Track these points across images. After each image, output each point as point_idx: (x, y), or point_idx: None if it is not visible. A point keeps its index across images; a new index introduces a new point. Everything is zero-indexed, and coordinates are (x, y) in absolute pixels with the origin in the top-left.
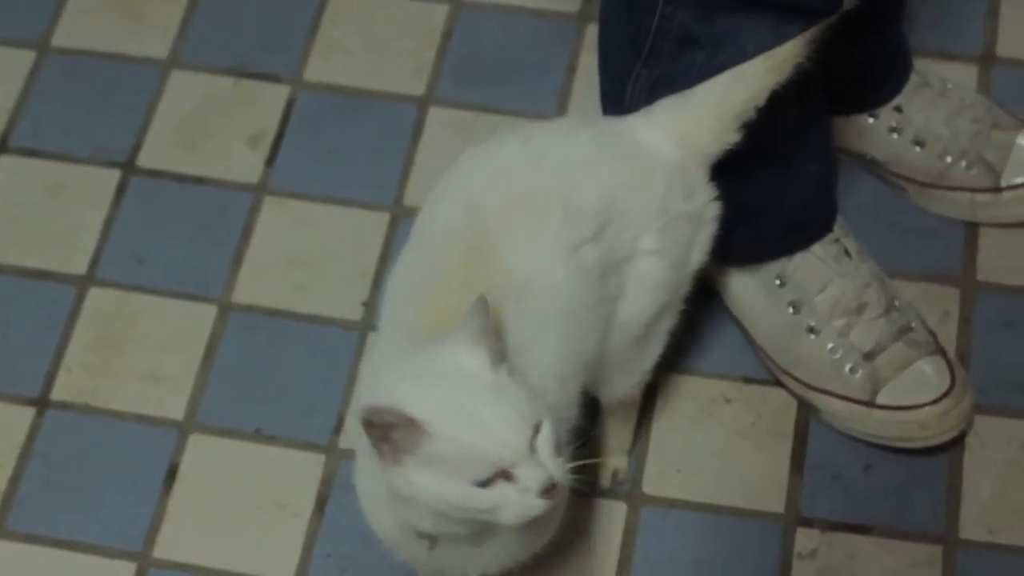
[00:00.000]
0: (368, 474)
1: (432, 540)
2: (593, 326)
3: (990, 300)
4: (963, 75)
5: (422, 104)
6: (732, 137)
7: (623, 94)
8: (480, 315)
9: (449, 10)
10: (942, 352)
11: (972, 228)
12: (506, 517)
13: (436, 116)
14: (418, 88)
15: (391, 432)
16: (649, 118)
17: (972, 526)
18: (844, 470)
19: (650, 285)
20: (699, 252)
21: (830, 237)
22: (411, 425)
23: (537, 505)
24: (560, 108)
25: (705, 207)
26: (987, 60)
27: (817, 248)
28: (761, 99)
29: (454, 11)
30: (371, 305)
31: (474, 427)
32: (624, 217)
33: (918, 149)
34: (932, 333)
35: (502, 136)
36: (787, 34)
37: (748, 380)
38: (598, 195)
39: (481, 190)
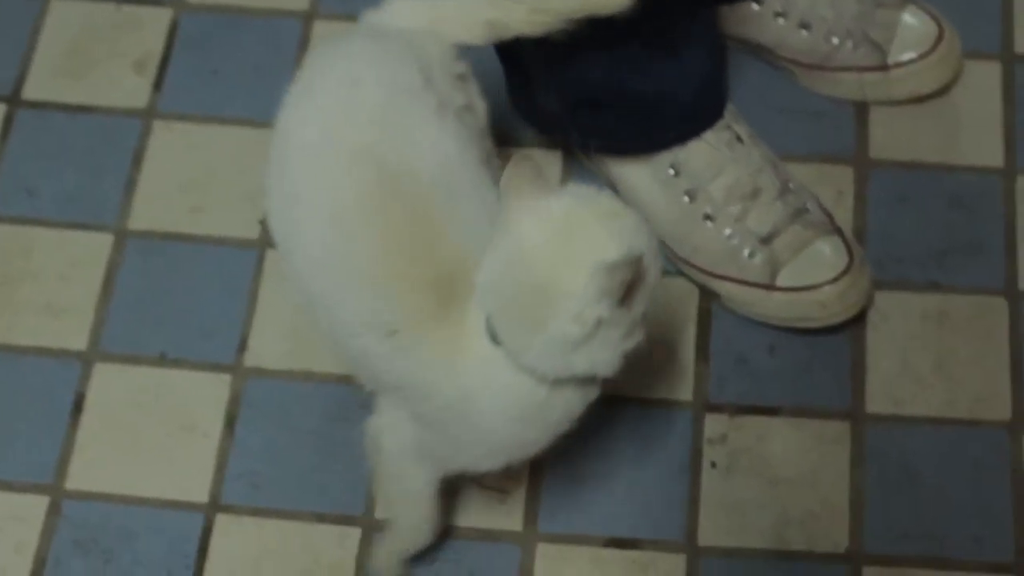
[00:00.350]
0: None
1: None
2: None
3: (883, 177)
4: None
5: (307, 19)
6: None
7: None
8: (523, 168)
9: None
10: (839, 231)
11: (862, 107)
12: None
13: (321, 30)
14: (302, 3)
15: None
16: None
17: (878, 400)
18: (749, 354)
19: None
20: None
21: (721, 123)
22: (639, 264)
23: None
24: None
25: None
26: None
27: (709, 135)
28: None
29: None
30: (267, 223)
31: None
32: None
33: (804, 32)
34: (828, 213)
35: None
36: None
37: None
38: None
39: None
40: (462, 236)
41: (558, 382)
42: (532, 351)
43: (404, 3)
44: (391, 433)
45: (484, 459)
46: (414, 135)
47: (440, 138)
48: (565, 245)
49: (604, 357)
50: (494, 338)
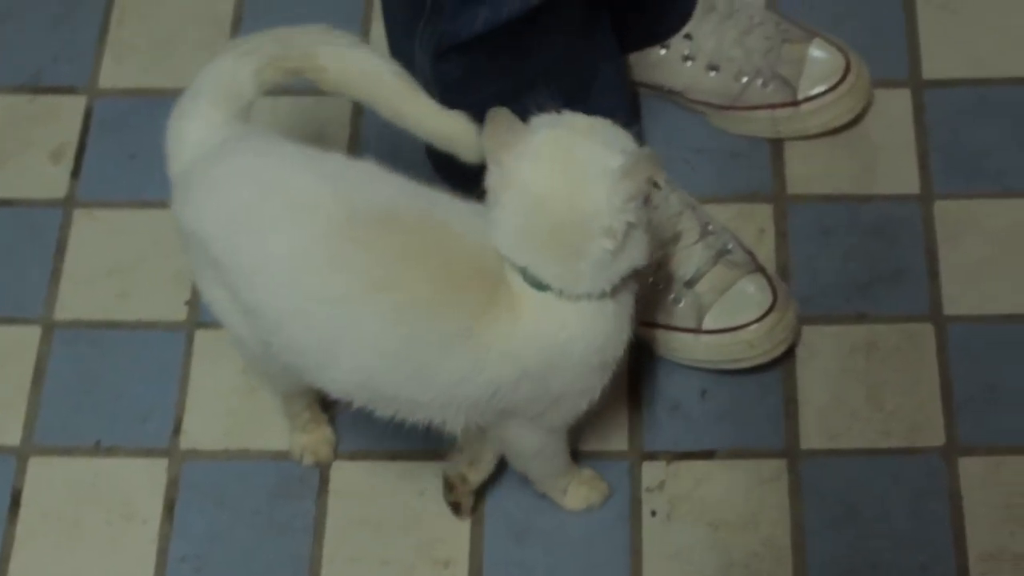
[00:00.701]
0: None
1: None
2: None
3: (803, 211)
4: None
5: None
6: None
7: (411, 53)
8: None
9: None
10: (761, 269)
11: (777, 144)
12: None
13: None
14: None
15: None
16: None
17: (813, 435)
18: (681, 399)
19: None
20: None
21: None
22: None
23: None
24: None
25: None
26: None
27: None
28: None
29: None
30: (194, 303)
31: None
32: None
33: (713, 74)
34: (749, 252)
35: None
36: None
37: None
38: None
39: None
40: (464, 227)
41: (614, 290)
42: (583, 278)
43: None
44: (518, 440)
45: (584, 395)
46: (356, 179)
47: (376, 174)
48: (567, 172)
49: (640, 251)
50: (540, 286)
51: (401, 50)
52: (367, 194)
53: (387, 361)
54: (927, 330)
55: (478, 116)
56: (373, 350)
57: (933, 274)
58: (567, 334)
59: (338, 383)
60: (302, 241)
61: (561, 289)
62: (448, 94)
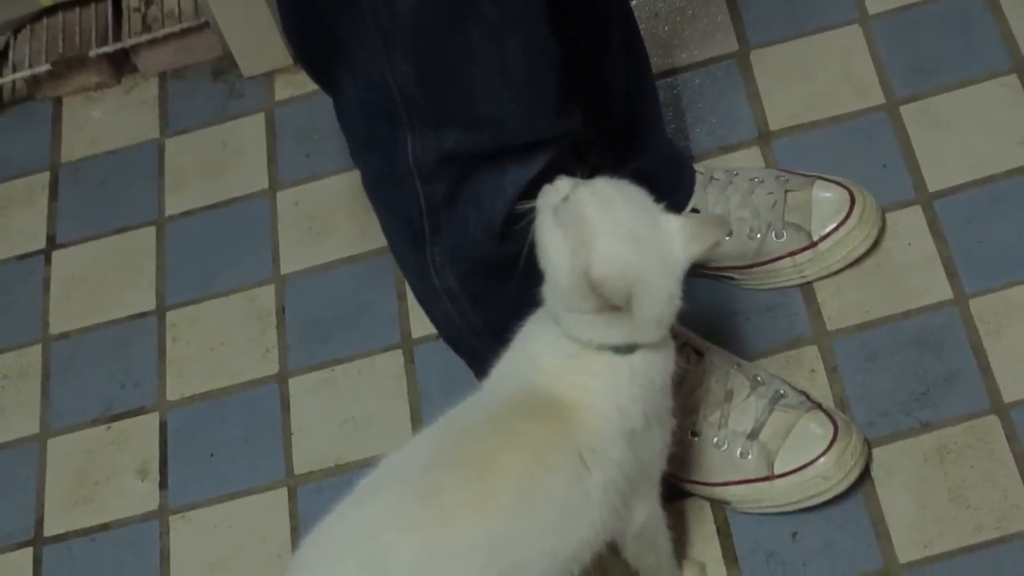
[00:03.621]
0: None
1: None
2: None
3: (847, 344)
4: (749, 159)
5: (280, 380)
6: None
7: (430, 279)
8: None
9: (275, 288)
10: (818, 405)
11: (807, 287)
12: None
13: (297, 385)
14: (271, 368)
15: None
16: None
17: (908, 548)
18: (775, 547)
19: None
20: None
21: (677, 343)
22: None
23: None
24: (404, 334)
25: None
26: (765, 138)
27: None
28: None
29: (279, 287)
30: None
31: None
32: None
33: (728, 239)
34: (803, 392)
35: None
36: (535, 164)
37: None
38: None
39: None
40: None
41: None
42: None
43: None
44: (647, 518)
45: (662, 424)
46: None
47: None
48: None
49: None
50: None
51: (422, 283)
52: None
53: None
54: (992, 422)
55: (513, 308)
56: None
57: (984, 369)
58: (629, 375)
59: None
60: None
61: (623, 344)
62: (479, 300)
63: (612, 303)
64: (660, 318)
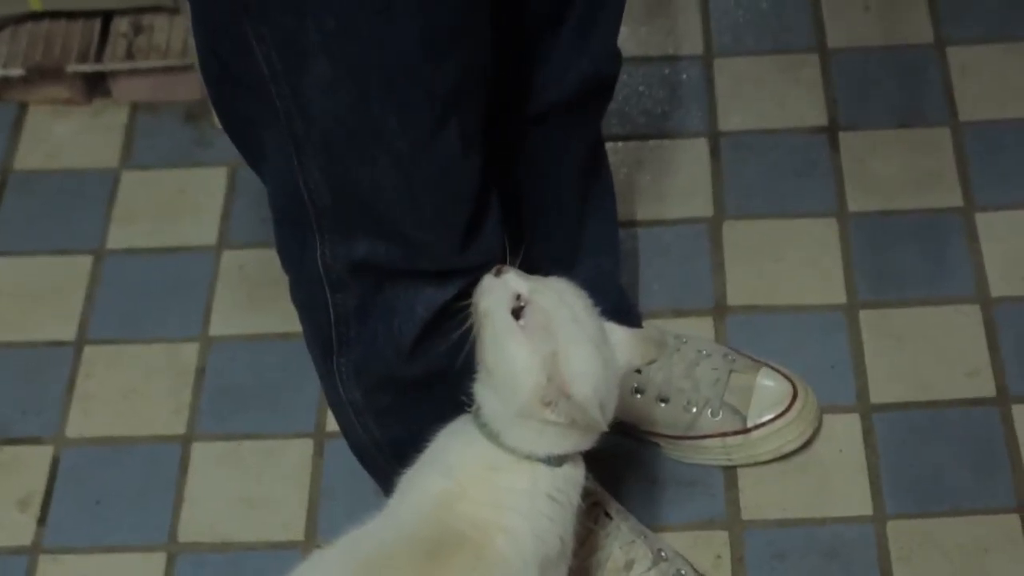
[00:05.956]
0: None
1: None
2: None
3: (758, 537)
4: (700, 328)
5: (185, 441)
6: None
7: (337, 389)
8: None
9: (199, 347)
10: None
11: (730, 471)
12: None
13: (201, 451)
14: (179, 427)
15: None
16: None
17: None
18: None
19: None
20: None
21: (588, 500)
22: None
23: None
24: (319, 425)
25: None
26: (720, 310)
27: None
28: None
29: (204, 347)
30: None
31: None
32: None
33: (663, 405)
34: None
35: None
36: (450, 289)
37: None
38: None
39: None
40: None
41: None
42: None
43: None
44: None
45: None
46: None
47: None
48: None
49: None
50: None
51: (330, 389)
52: None
53: None
54: None
55: (419, 427)
56: None
57: None
58: (552, 489)
59: None
60: None
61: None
62: (383, 417)
63: (584, 420)
64: (604, 426)
